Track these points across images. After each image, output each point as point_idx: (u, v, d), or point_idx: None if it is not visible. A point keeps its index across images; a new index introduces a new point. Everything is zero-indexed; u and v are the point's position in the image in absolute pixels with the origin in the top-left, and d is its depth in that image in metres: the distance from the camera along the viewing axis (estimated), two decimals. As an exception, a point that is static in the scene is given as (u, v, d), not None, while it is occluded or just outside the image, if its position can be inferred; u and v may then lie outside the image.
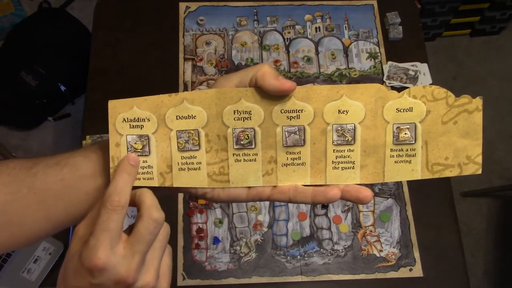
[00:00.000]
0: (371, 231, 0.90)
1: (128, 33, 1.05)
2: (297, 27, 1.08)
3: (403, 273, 0.87)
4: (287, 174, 0.38)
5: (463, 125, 0.37)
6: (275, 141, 0.37)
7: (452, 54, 2.01)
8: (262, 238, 0.88)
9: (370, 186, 0.93)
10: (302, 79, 1.02)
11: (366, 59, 1.05)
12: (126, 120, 0.37)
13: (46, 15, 1.72)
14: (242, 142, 0.37)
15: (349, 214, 0.91)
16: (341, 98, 0.37)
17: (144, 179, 0.37)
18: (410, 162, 0.37)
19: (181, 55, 1.03)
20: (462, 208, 1.74)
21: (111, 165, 0.37)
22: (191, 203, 0.90)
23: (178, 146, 0.37)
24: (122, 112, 0.37)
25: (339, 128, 0.37)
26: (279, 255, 0.87)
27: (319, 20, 1.09)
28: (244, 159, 0.37)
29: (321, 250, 0.88)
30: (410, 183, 0.93)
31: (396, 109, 0.37)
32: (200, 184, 0.38)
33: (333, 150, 0.37)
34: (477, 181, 1.79)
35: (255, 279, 0.85)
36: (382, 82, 1.02)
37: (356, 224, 0.90)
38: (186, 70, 1.02)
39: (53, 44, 1.63)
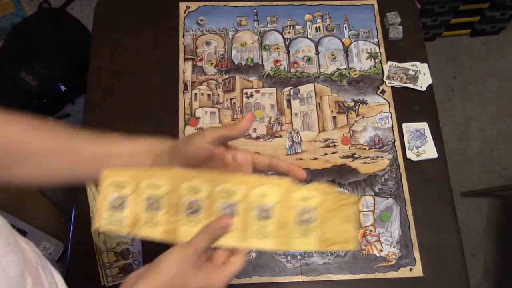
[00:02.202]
0: (371, 231, 0.90)
1: (128, 33, 1.05)
2: (297, 27, 1.08)
3: (403, 273, 0.87)
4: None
5: (344, 214, 0.49)
6: (216, 212, 0.49)
7: (452, 54, 2.01)
8: (262, 238, 0.88)
9: (370, 186, 0.93)
10: (302, 79, 1.02)
11: (366, 59, 1.05)
12: (112, 184, 0.50)
13: (46, 15, 1.72)
14: (190, 211, 0.49)
15: (349, 214, 0.91)
16: (263, 186, 0.49)
17: (116, 227, 0.49)
18: (308, 236, 0.49)
19: (181, 55, 1.03)
20: (462, 208, 1.74)
21: (95, 215, 0.50)
22: (191, 203, 0.89)
23: (144, 207, 0.49)
24: (110, 177, 0.50)
25: (260, 206, 0.49)
26: (279, 255, 0.87)
27: (319, 20, 1.09)
28: (189, 224, 0.49)
29: (321, 250, 0.88)
30: (410, 183, 0.93)
31: (301, 198, 0.49)
32: (156, 237, 0.49)
33: (255, 222, 0.49)
34: (477, 181, 1.79)
35: (255, 279, 0.85)
36: (382, 82, 1.02)
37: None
38: (186, 70, 1.02)
39: (53, 44, 1.63)
